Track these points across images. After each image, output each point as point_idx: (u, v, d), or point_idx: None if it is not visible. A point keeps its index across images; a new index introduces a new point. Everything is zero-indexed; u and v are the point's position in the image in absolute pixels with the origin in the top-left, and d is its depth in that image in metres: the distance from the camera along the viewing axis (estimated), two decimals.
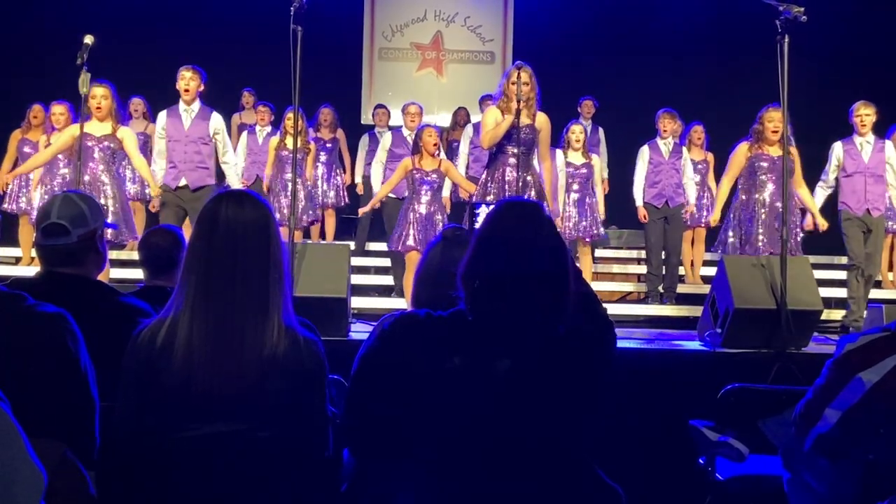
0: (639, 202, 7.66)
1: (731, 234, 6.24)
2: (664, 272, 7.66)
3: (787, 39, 4.83)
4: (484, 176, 5.88)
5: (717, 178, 8.16)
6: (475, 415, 1.88)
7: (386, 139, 8.17)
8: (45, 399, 1.93)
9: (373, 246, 8.95)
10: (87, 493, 1.83)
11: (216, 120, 6.42)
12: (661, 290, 7.64)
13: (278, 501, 1.96)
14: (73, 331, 2.03)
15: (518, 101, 5.48)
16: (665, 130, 7.66)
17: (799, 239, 6.19)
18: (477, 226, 2.35)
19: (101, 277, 2.67)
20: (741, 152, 6.20)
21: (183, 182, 6.27)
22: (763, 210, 6.09)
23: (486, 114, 5.75)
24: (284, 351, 1.95)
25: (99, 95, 5.95)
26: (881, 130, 6.78)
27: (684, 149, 7.87)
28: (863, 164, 6.60)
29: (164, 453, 1.90)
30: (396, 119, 9.09)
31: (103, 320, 2.32)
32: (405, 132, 8.10)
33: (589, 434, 1.98)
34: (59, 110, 7.17)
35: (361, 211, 7.54)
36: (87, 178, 5.90)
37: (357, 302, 6.79)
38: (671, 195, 7.59)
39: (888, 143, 6.79)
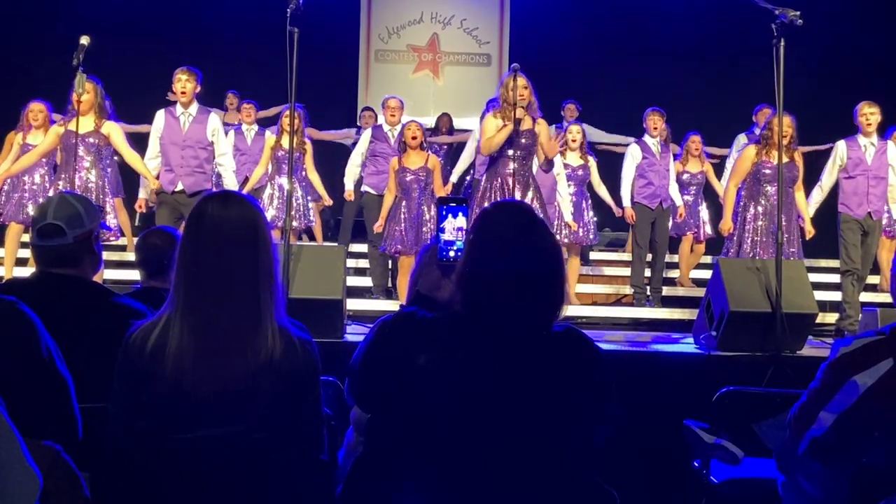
0: (627, 202, 7.42)
1: (735, 240, 6.20)
2: (650, 274, 7.57)
3: (782, 43, 4.83)
4: (483, 182, 5.88)
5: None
6: (469, 415, 1.89)
7: (365, 136, 7.89)
8: (13, 388, 1.91)
9: (354, 248, 8.48)
10: (81, 494, 1.83)
11: (213, 120, 6.37)
12: (648, 294, 7.56)
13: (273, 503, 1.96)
14: (24, 314, 2.01)
15: (514, 107, 5.50)
16: (655, 129, 7.47)
17: (799, 244, 6.16)
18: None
19: (94, 278, 2.66)
20: (748, 157, 6.12)
21: (179, 186, 6.23)
22: (765, 218, 6.08)
23: (487, 121, 5.75)
24: (279, 352, 1.94)
25: (81, 91, 5.80)
26: (880, 131, 6.77)
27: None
28: (866, 165, 6.55)
29: (160, 455, 1.89)
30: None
31: (98, 321, 2.32)
32: (386, 128, 7.88)
33: (583, 435, 1.98)
34: (37, 108, 6.94)
35: (376, 227, 7.05)
36: (63, 176, 5.86)
37: (352, 304, 6.77)
38: (664, 196, 7.44)
39: (890, 144, 6.78)
